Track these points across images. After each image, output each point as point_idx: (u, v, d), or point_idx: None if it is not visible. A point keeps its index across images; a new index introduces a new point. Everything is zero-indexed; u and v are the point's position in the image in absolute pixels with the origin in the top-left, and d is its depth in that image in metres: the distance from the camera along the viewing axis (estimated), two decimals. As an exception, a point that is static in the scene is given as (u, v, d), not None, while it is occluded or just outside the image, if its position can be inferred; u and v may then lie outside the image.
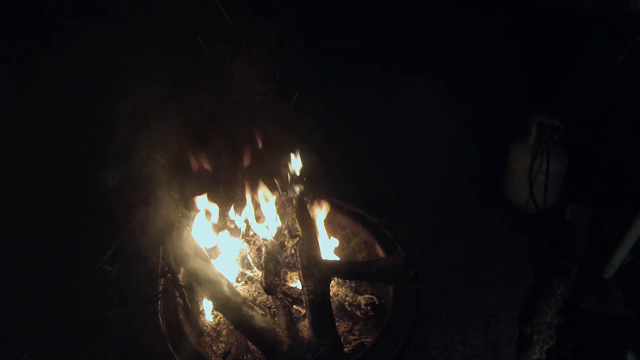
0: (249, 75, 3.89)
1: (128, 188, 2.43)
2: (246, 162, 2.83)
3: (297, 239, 2.28)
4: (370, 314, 2.46)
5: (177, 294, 2.40)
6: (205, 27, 3.67)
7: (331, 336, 2.13)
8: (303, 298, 2.23)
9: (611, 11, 2.79)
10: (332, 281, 2.52)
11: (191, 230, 2.44)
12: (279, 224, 2.54)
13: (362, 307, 2.46)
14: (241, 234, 2.64)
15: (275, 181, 2.61)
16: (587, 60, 3.09)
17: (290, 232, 2.39)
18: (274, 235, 2.52)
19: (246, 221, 2.63)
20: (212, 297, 2.20)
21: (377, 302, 2.48)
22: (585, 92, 3.13)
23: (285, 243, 2.41)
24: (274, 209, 2.54)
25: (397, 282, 2.47)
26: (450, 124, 3.99)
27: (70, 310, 2.61)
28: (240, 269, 2.67)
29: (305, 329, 2.27)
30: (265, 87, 3.98)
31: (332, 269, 2.34)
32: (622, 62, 2.83)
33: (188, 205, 2.52)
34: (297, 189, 2.54)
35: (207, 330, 2.46)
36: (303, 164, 2.66)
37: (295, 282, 2.52)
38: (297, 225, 2.38)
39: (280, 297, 2.39)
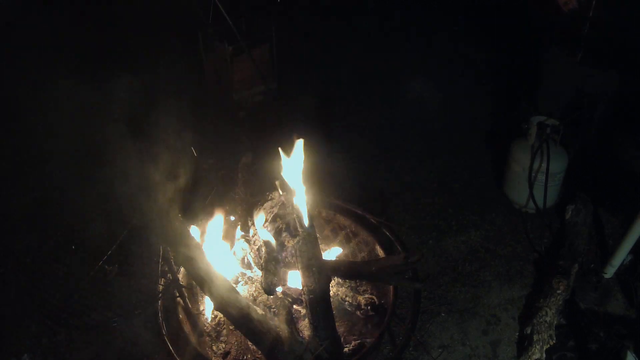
0: (249, 75, 3.89)
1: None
2: (245, 161, 2.83)
3: (297, 239, 2.28)
4: (370, 314, 2.46)
5: (177, 294, 2.40)
6: (205, 27, 3.67)
7: (331, 336, 2.13)
8: (303, 298, 2.23)
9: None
10: (332, 281, 2.52)
11: (191, 230, 2.44)
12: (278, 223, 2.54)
13: (362, 307, 2.46)
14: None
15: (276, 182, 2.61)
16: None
17: (290, 232, 2.38)
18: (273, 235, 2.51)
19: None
20: (212, 297, 2.20)
21: (377, 302, 2.48)
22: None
23: (285, 243, 2.41)
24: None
25: (397, 282, 2.47)
26: (450, 123, 3.99)
27: (70, 310, 2.61)
28: (241, 269, 2.67)
29: (305, 329, 2.27)
30: (265, 87, 3.99)
31: (332, 269, 2.33)
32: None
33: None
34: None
35: (207, 330, 2.46)
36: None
37: (295, 282, 2.52)
38: (297, 225, 2.37)
39: (280, 297, 2.38)
